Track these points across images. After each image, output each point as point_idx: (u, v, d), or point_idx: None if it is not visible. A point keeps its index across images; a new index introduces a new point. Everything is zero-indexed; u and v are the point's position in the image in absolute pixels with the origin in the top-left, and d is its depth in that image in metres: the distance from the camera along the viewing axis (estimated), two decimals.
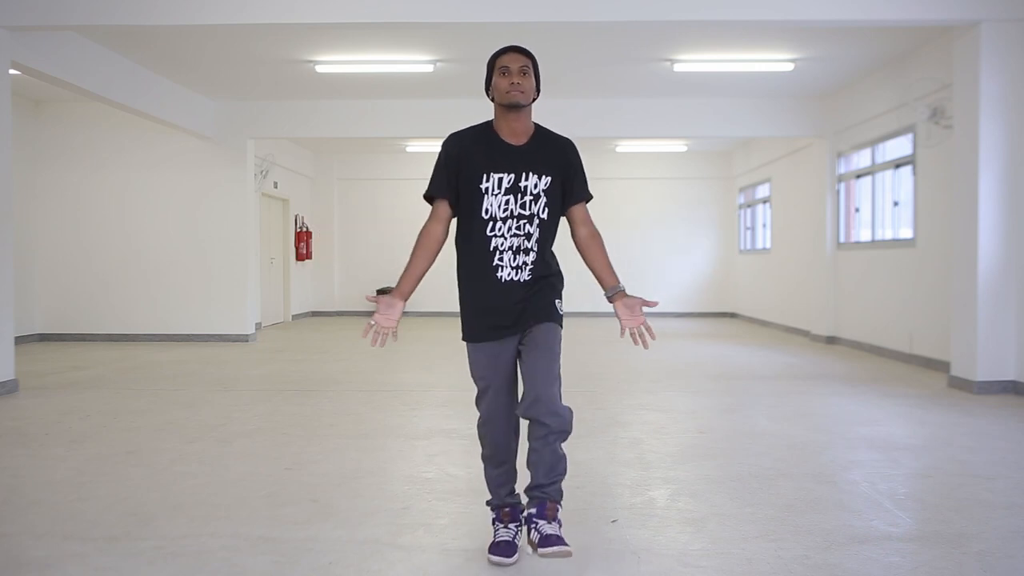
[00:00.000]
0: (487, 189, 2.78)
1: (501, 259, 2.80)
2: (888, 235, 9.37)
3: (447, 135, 2.90)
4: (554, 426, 2.71)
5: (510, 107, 2.77)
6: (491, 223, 2.79)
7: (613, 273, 2.93)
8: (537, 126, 2.90)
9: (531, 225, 2.80)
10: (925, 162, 8.17)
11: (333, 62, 8.81)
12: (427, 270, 2.90)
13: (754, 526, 3.27)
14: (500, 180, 2.78)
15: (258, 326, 11.88)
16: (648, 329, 2.86)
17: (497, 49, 2.88)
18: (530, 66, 2.80)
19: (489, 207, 2.78)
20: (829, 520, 3.33)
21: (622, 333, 2.89)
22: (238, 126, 10.85)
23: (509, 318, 2.82)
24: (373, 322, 2.81)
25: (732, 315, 15.38)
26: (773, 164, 12.99)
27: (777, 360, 8.78)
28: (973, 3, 6.30)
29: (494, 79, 2.82)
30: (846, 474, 4.07)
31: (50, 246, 10.94)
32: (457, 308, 2.98)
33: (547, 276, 2.87)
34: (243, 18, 6.34)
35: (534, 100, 2.82)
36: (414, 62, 8.77)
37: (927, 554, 2.97)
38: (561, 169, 2.85)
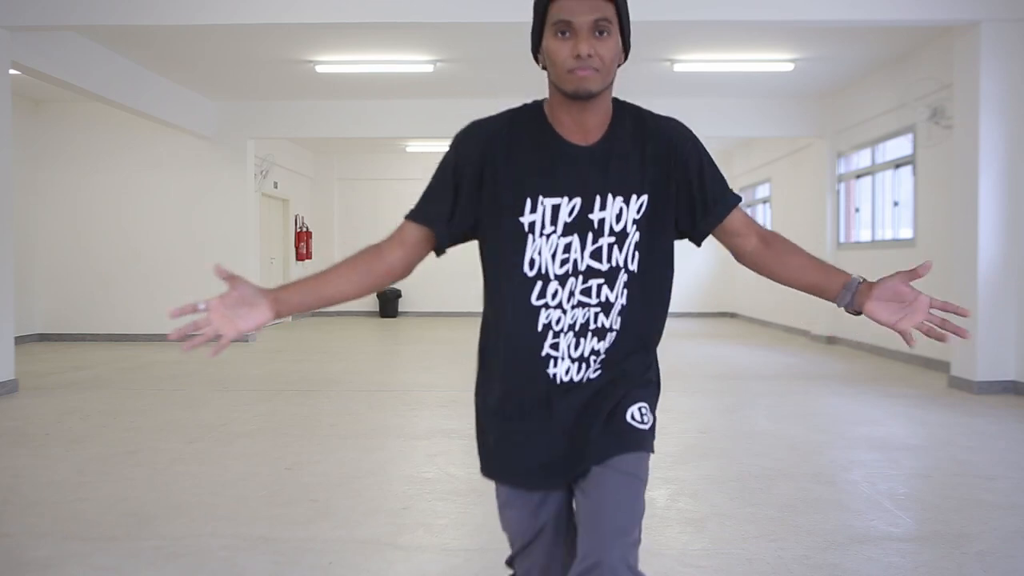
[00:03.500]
0: (532, 225, 1.55)
1: (556, 346, 1.58)
2: (888, 235, 9.37)
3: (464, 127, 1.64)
4: None
5: (575, 96, 1.51)
6: (539, 284, 1.56)
7: (831, 266, 1.66)
8: (618, 104, 1.62)
9: (611, 286, 1.57)
10: (925, 162, 8.17)
11: (333, 62, 8.81)
12: (340, 297, 1.65)
13: (754, 526, 3.27)
14: (557, 210, 1.55)
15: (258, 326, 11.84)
16: (954, 308, 1.54)
17: None
18: (612, 17, 1.49)
19: (536, 257, 1.56)
20: (829, 520, 3.34)
21: (909, 340, 1.56)
22: (238, 126, 10.86)
23: (562, 446, 1.60)
24: (203, 307, 1.52)
25: (732, 315, 15.38)
26: (773, 164, 12.99)
27: (777, 360, 8.78)
28: (973, 3, 6.30)
29: (545, 38, 1.52)
30: (846, 474, 4.07)
31: (50, 246, 10.95)
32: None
33: (635, 371, 1.63)
34: (243, 18, 6.34)
35: (620, 65, 1.56)
36: (414, 62, 8.77)
37: (927, 554, 2.97)
38: (669, 178, 1.60)
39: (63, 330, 10.94)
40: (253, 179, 11.32)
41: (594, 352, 1.58)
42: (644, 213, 1.57)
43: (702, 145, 1.64)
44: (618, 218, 1.56)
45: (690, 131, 1.64)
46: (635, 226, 1.57)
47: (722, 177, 1.66)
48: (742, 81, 9.64)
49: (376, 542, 3.10)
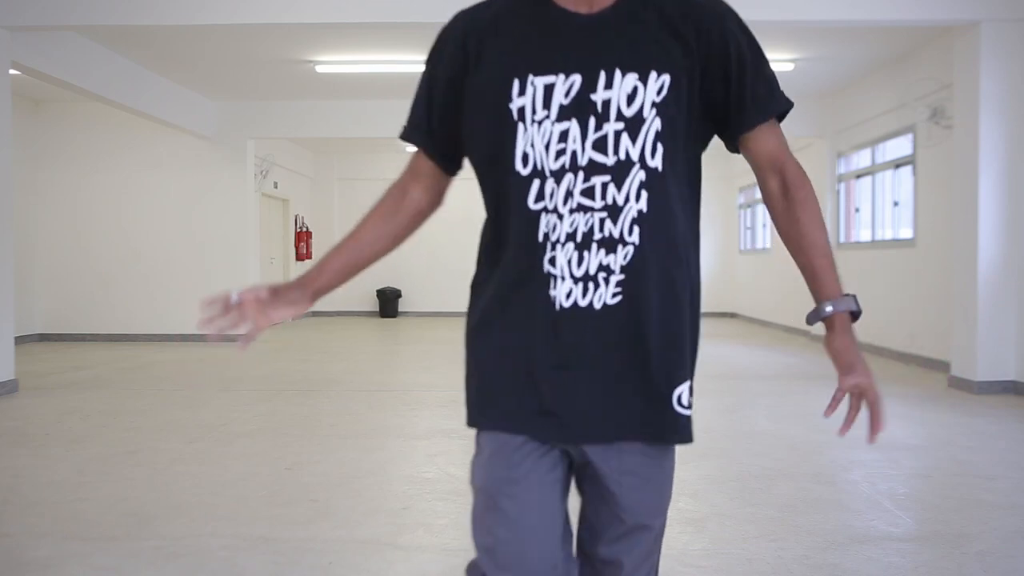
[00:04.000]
0: (522, 111, 1.27)
1: (554, 260, 1.27)
2: (888, 235, 9.37)
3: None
4: None
5: None
6: (536, 184, 1.27)
7: (833, 272, 1.38)
8: None
9: (620, 186, 1.25)
10: (925, 162, 8.17)
11: (333, 62, 8.81)
12: (376, 255, 1.46)
13: (754, 526, 3.27)
14: (550, 90, 1.26)
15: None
16: (875, 405, 1.40)
17: None
18: None
19: (530, 151, 1.26)
20: (829, 520, 3.34)
21: (832, 405, 1.44)
22: (238, 126, 10.86)
23: (563, 395, 1.29)
24: (236, 299, 1.41)
25: (732, 315, 15.38)
26: None
27: (777, 360, 8.78)
28: (973, 3, 6.30)
29: None
30: (846, 474, 4.07)
31: (50, 246, 10.94)
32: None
33: (675, 303, 1.30)
34: (242, 18, 6.34)
35: None
36: (414, 62, 8.77)
37: (927, 554, 2.97)
38: (701, 52, 1.29)
39: (63, 330, 10.94)
40: (253, 179, 11.32)
41: (603, 269, 1.25)
42: (667, 96, 1.25)
43: (748, 29, 1.33)
44: (630, 99, 1.24)
45: (734, 10, 1.33)
46: (654, 111, 1.24)
47: (771, 74, 1.33)
48: None
49: (376, 542, 3.10)
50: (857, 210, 10.14)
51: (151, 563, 2.89)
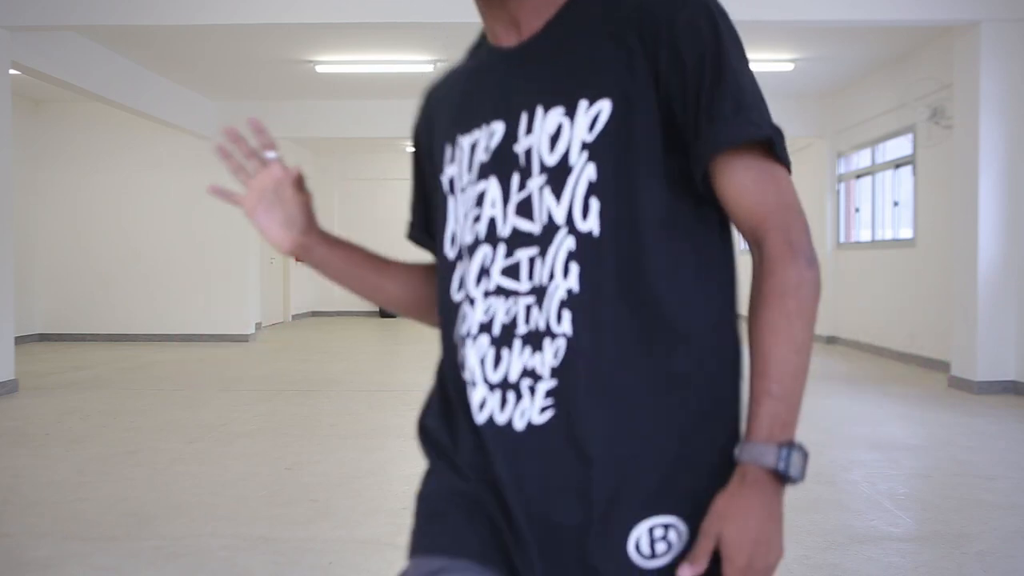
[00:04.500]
0: (453, 182, 1.03)
1: (463, 362, 1.00)
2: (888, 235, 9.37)
3: None
4: None
5: None
6: (459, 268, 1.02)
7: (770, 404, 0.90)
8: None
9: (544, 257, 0.92)
10: (925, 162, 8.16)
11: (333, 62, 8.81)
12: (382, 296, 1.22)
13: None
14: (474, 148, 0.99)
15: (258, 326, 11.87)
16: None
17: None
18: None
19: (456, 227, 1.02)
20: (829, 520, 3.34)
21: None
22: (238, 126, 10.79)
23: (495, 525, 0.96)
24: (272, 156, 1.13)
25: None
26: None
27: None
28: (973, 3, 6.30)
29: None
30: (846, 474, 4.07)
31: (50, 246, 10.94)
32: None
33: (639, 411, 0.92)
34: (243, 18, 6.33)
35: None
36: (414, 62, 8.77)
37: (927, 554, 2.97)
38: (655, 71, 0.89)
39: (63, 330, 10.93)
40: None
41: (527, 374, 0.92)
42: (606, 130, 0.89)
43: (720, 21, 0.90)
44: (553, 141, 0.91)
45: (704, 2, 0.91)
46: (585, 154, 0.90)
47: (743, 86, 0.90)
48: None
49: (376, 542, 3.10)
50: (857, 210, 10.14)
51: (151, 563, 2.89)
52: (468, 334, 0.96)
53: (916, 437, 4.93)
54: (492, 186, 0.95)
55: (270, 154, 1.12)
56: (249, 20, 6.35)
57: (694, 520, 0.90)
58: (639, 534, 0.90)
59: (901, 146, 8.91)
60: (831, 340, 10.39)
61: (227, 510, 3.48)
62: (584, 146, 0.90)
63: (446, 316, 1.03)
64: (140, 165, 10.93)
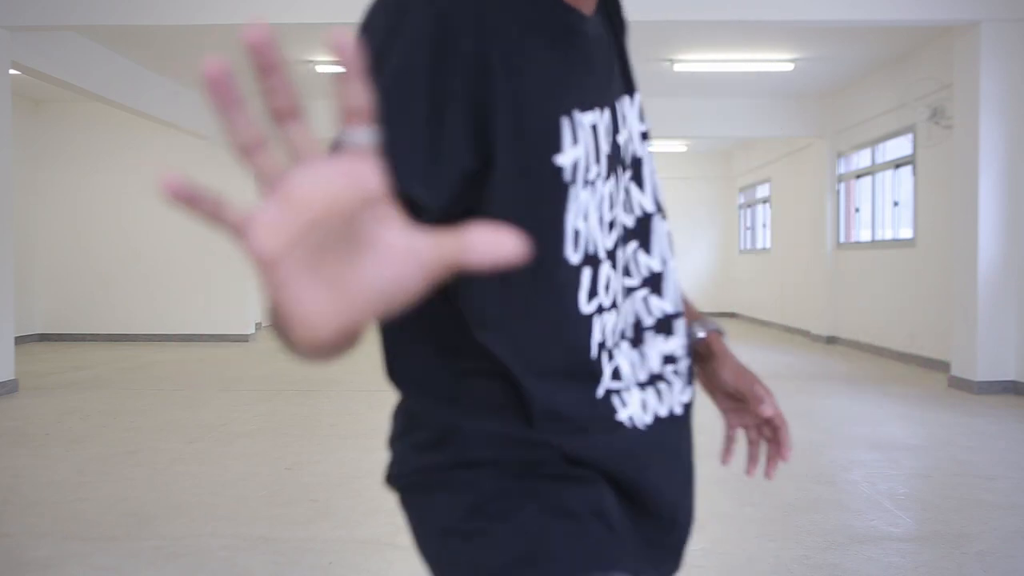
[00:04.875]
0: (576, 168, 0.82)
1: (618, 373, 0.89)
2: (888, 235, 9.37)
3: None
4: None
5: None
6: (588, 274, 0.86)
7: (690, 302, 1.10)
8: None
9: (647, 246, 0.95)
10: (925, 162, 8.17)
11: (333, 61, 8.79)
12: None
13: (754, 526, 3.27)
14: (595, 132, 0.85)
15: (259, 326, 11.88)
16: (780, 431, 1.15)
17: None
18: None
19: (582, 226, 0.84)
20: (829, 520, 3.34)
21: (728, 441, 1.18)
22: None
23: (673, 526, 0.96)
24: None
25: (732, 315, 15.37)
26: (773, 164, 12.98)
27: (777, 360, 8.78)
28: (973, 3, 6.30)
29: None
30: (846, 474, 4.07)
31: (50, 246, 10.94)
32: None
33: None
34: (242, 17, 6.34)
35: None
36: None
37: (927, 554, 2.97)
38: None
39: (63, 330, 10.93)
40: (254, 179, 11.28)
41: (668, 359, 0.94)
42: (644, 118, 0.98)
43: None
44: (635, 129, 0.95)
45: None
46: (645, 143, 0.96)
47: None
48: (742, 81, 9.65)
49: (376, 542, 3.10)
50: (857, 210, 10.14)
51: (151, 563, 2.89)
52: (616, 344, 0.89)
53: (916, 437, 4.93)
54: (612, 184, 0.88)
55: (357, 135, 0.48)
56: (249, 20, 6.33)
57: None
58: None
59: (901, 146, 8.91)
60: (831, 340, 10.39)
61: (227, 510, 3.48)
62: (643, 135, 0.95)
63: (572, 331, 0.85)
64: (140, 164, 10.93)
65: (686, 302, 1.04)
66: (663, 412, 0.92)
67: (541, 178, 0.81)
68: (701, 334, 1.04)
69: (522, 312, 0.84)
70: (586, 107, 0.84)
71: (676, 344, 0.94)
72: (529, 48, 0.81)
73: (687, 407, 0.95)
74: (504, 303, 0.83)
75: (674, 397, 0.93)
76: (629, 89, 0.95)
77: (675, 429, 0.93)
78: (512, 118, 0.78)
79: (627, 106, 0.93)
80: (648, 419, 0.90)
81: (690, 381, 0.96)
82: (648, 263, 0.93)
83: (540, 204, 0.81)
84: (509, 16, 0.80)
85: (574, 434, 0.85)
